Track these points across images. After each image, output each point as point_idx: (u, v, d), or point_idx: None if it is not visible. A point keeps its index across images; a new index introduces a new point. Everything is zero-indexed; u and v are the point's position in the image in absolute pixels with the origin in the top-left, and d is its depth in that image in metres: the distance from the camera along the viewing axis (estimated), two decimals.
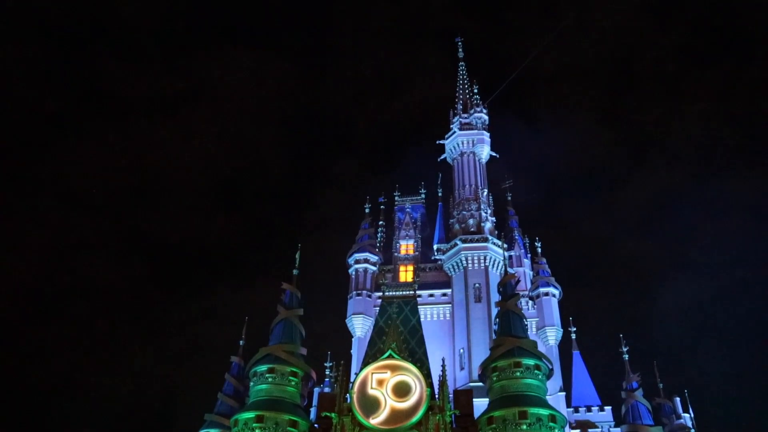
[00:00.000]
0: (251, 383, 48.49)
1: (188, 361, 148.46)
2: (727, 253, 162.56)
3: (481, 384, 50.87)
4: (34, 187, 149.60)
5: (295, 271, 54.42)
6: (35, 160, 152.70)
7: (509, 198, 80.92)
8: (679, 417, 66.96)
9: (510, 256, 71.42)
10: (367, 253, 70.45)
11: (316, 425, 47.57)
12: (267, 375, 47.38)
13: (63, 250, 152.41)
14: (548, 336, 66.62)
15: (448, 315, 67.42)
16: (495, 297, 59.45)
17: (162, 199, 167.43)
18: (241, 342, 57.60)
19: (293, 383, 47.61)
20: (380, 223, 77.28)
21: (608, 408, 66.47)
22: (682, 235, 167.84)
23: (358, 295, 68.82)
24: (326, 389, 64.97)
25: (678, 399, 68.85)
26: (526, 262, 75.13)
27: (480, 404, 48.30)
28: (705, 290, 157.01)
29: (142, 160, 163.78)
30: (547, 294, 68.96)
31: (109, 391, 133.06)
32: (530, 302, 69.08)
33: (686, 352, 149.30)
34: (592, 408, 67.30)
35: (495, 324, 51.94)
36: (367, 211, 75.39)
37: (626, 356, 55.34)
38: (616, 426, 60.99)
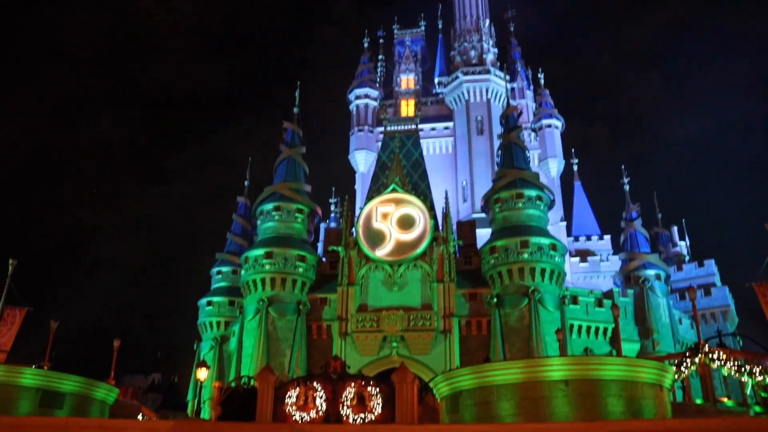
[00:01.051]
0: (258, 222, 49.43)
1: (196, 207, 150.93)
2: (732, 87, 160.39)
3: (483, 215, 51.84)
4: (25, 44, 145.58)
5: (295, 110, 53.94)
6: (22, 14, 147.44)
7: (512, 29, 78.58)
8: (675, 245, 68.96)
9: (512, 88, 70.48)
10: (367, 88, 69.58)
11: (323, 259, 48.97)
12: (273, 213, 48.19)
13: (61, 107, 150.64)
14: (550, 167, 67.13)
15: (450, 148, 67.59)
16: (497, 129, 59.35)
17: (157, 48, 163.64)
18: (246, 182, 58.16)
19: (299, 220, 48.51)
20: (380, 57, 75.75)
21: (607, 237, 68.17)
22: (689, 67, 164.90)
23: (360, 130, 68.67)
24: (332, 224, 66.38)
25: (675, 228, 70.58)
26: (529, 94, 74.24)
27: (483, 235, 49.47)
28: (709, 123, 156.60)
29: (133, 8, 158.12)
30: (549, 126, 68.78)
31: (122, 243, 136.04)
32: (532, 134, 69.03)
33: (686, 183, 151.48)
34: (592, 237, 68.98)
35: (497, 156, 52.13)
36: (365, 45, 73.73)
37: (627, 187, 55.81)
38: (614, 254, 62.74)
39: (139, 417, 29.08)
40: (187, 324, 54.23)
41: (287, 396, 22.90)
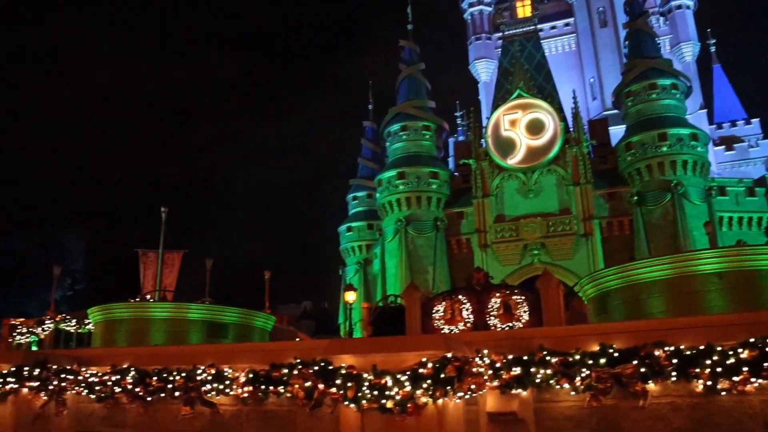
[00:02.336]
0: (387, 144, 49.87)
1: (325, 135, 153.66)
2: None
3: (615, 111, 49.78)
4: None
5: (409, 26, 53.27)
6: None
7: None
8: None
9: None
10: None
11: (455, 173, 48.93)
12: (401, 133, 48.41)
13: (175, 49, 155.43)
14: (684, 52, 62.89)
15: (573, 45, 64.79)
16: (622, 19, 56.12)
17: None
18: (369, 106, 58.54)
19: (427, 137, 48.50)
20: None
21: (756, 120, 63.54)
22: None
23: (478, 39, 66.99)
24: (460, 138, 65.83)
25: None
26: None
27: (617, 132, 47.61)
28: None
29: None
30: (679, 7, 64.02)
31: (257, 178, 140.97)
32: (661, 18, 64.64)
33: None
34: (737, 122, 64.54)
35: (624, 47, 49.53)
36: None
37: None
38: (764, 138, 58.79)
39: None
40: (330, 250, 56.15)
41: (434, 311, 23.39)
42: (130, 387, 13.48)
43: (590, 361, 10.91)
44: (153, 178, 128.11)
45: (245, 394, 12.61)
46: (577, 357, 11.00)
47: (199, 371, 13.01)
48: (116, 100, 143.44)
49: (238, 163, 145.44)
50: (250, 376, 12.55)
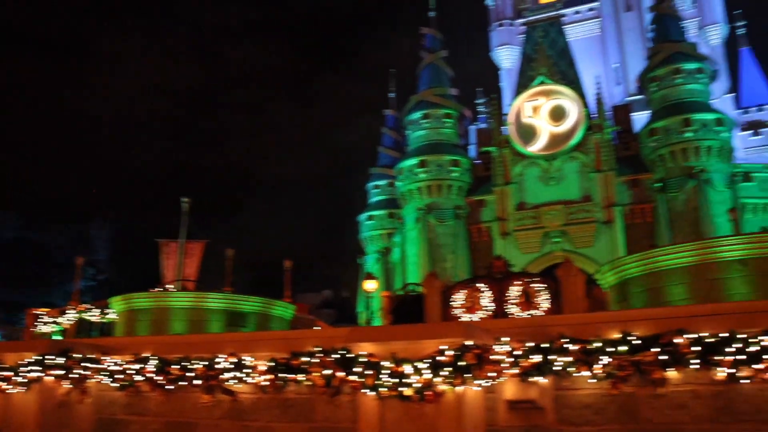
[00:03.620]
0: (408, 132, 49.72)
1: (348, 123, 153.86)
2: None
3: (640, 97, 49.33)
4: None
5: (431, 14, 52.96)
6: None
7: None
8: None
9: None
10: None
11: (477, 161, 48.73)
12: (422, 121, 48.25)
13: (203, 43, 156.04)
14: (711, 35, 62.01)
15: (597, 30, 64.07)
16: (647, 2, 55.44)
17: None
18: (391, 95, 58.32)
19: (449, 125, 48.31)
20: None
21: None
22: None
23: (500, 25, 66.56)
24: (482, 126, 65.47)
25: None
26: None
27: (640, 118, 47.21)
28: None
29: None
30: None
31: (281, 167, 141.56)
32: (688, 1, 63.74)
33: None
34: (764, 106, 63.48)
35: (649, 32, 48.88)
36: None
37: None
38: None
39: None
40: (351, 240, 56.25)
41: (453, 299, 23.38)
42: (151, 375, 13.61)
43: (610, 349, 10.83)
44: (177, 168, 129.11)
45: (265, 383, 12.68)
46: (597, 345, 10.93)
47: (219, 360, 13.09)
48: (144, 92, 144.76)
49: (261, 153, 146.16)
50: (271, 364, 12.61)
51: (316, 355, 11.91)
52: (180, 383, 13.41)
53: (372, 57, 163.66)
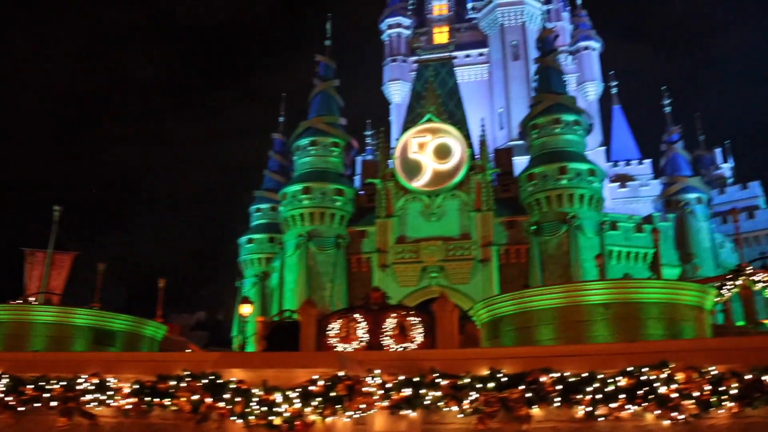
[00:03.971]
0: (295, 157, 49.53)
1: (233, 144, 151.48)
2: None
3: (521, 142, 51.27)
4: None
5: (327, 42, 53.29)
6: None
7: None
8: (718, 167, 67.54)
9: (548, 11, 68.41)
10: (399, 17, 68.34)
11: (361, 192, 49.08)
12: (309, 148, 48.20)
13: (96, 47, 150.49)
14: (588, 91, 65.72)
15: (485, 75, 66.44)
16: (533, 54, 58.05)
17: None
18: (280, 119, 58.03)
19: (336, 153, 48.48)
20: None
21: (648, 161, 66.87)
22: None
23: (393, 60, 67.80)
24: (368, 157, 66.21)
25: (719, 150, 68.97)
26: (566, 15, 72.03)
27: (520, 162, 49.02)
28: (757, 37, 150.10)
29: None
30: (587, 48, 67.06)
31: (164, 182, 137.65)
32: (570, 57, 67.33)
33: (732, 103, 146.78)
34: (632, 162, 67.77)
35: (534, 81, 51.19)
36: None
37: (668, 109, 54.40)
38: (654, 178, 61.76)
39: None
40: (230, 261, 55.22)
41: (329, 328, 23.24)
42: (1, 396, 12.72)
43: (479, 385, 11.10)
44: (55, 174, 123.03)
45: (128, 406, 12.16)
46: (467, 380, 11.16)
47: (80, 380, 12.42)
48: (27, 95, 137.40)
49: (147, 165, 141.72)
50: (136, 386, 12.12)
51: (185, 379, 11.57)
52: (34, 405, 12.62)
53: (266, 79, 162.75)
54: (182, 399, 11.40)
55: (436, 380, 11.29)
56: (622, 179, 65.08)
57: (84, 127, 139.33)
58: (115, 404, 12.28)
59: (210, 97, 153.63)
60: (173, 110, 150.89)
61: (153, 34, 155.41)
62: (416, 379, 11.38)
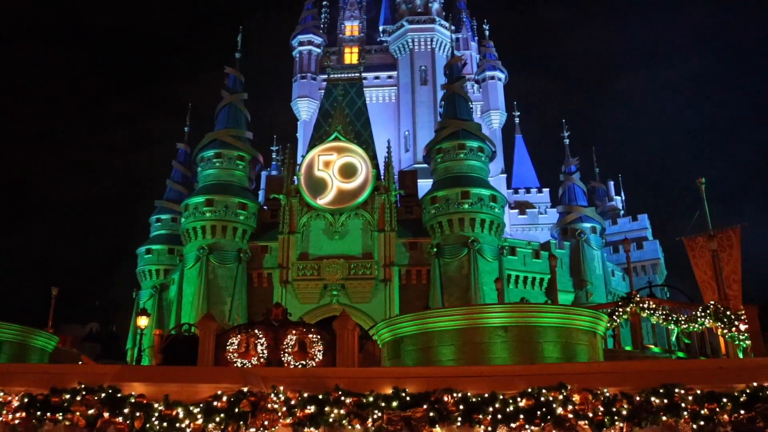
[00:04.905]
0: (199, 169, 48.66)
1: (136, 152, 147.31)
2: (684, 43, 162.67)
3: (425, 165, 52.10)
4: None
5: (237, 55, 52.77)
6: None
7: None
8: (611, 199, 71.02)
9: (457, 39, 70.10)
10: (311, 35, 68.40)
11: (264, 207, 48.65)
12: (214, 160, 47.48)
13: None
14: (492, 119, 67.60)
15: (393, 98, 67.26)
16: (441, 80, 59.27)
17: None
18: (186, 128, 56.88)
19: (241, 167, 47.94)
20: (324, 3, 74.29)
21: (546, 190, 69.26)
22: (641, 21, 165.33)
23: (303, 78, 67.72)
24: (273, 172, 65.79)
25: (612, 183, 72.55)
26: (474, 45, 74.02)
27: (424, 185, 49.77)
28: (655, 81, 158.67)
29: None
30: (492, 78, 69.04)
31: (60, 187, 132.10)
32: (476, 86, 69.14)
33: (625, 139, 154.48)
34: (531, 189, 70.05)
35: (440, 107, 52.26)
36: None
37: (567, 141, 56.74)
38: (552, 207, 63.99)
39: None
40: (126, 272, 53.47)
41: (228, 343, 22.85)
42: None
43: (383, 404, 11.20)
44: None
45: (16, 421, 11.58)
46: (371, 399, 11.25)
47: None
48: None
49: (44, 168, 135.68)
50: (25, 400, 11.57)
51: (80, 392, 11.15)
52: None
53: (174, 88, 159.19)
54: (77, 414, 10.98)
55: (341, 398, 11.33)
56: (522, 206, 67.09)
57: None
58: (2, 419, 11.68)
59: (115, 103, 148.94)
60: (75, 114, 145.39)
61: (57, 32, 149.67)
62: (321, 396, 11.38)
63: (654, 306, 23.77)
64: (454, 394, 11.05)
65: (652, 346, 26.86)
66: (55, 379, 11.81)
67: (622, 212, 69.81)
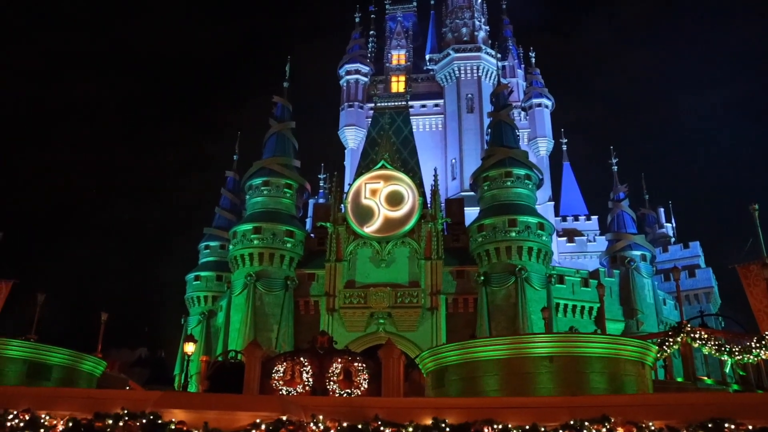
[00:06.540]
0: (247, 196, 49.29)
1: (185, 178, 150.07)
2: (732, 66, 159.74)
3: (472, 193, 51.88)
4: (10, 1, 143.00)
5: (285, 84, 53.53)
6: None
7: (504, 6, 77.95)
8: (661, 227, 69.51)
9: (503, 66, 70.12)
10: (358, 64, 69.17)
11: (311, 235, 48.95)
12: (262, 188, 48.07)
13: (50, 69, 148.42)
14: (539, 147, 67.17)
15: (440, 126, 67.45)
16: (487, 107, 59.21)
17: (149, 11, 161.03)
18: (235, 156, 57.78)
19: (288, 195, 48.41)
20: (371, 32, 75.09)
21: (595, 217, 68.33)
22: (688, 45, 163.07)
23: (350, 106, 68.37)
24: (321, 200, 66.23)
25: (662, 210, 71.06)
26: (520, 72, 73.96)
27: (471, 213, 49.55)
28: (704, 104, 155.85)
29: None
30: (539, 105, 68.73)
31: (110, 212, 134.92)
32: (522, 113, 68.92)
33: (675, 165, 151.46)
34: (579, 217, 69.18)
35: (487, 134, 52.16)
36: (357, 20, 73.07)
37: (615, 167, 55.96)
38: (601, 234, 63.05)
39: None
40: (175, 298, 54.19)
41: (274, 371, 22.93)
42: None
43: None
44: None
45: None
46: (410, 429, 11.12)
47: (10, 416, 11.97)
48: None
49: (94, 194, 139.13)
50: (70, 424, 11.73)
51: (123, 418, 11.27)
52: None
53: (222, 115, 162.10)
54: None
55: (380, 428, 11.23)
56: (570, 234, 66.29)
57: (29, 151, 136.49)
58: None
59: (163, 129, 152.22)
60: (124, 140, 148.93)
61: (108, 61, 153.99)
62: (360, 425, 11.29)
63: (706, 336, 23.08)
64: (495, 426, 10.86)
65: (705, 378, 26.10)
66: (99, 404, 11.97)
67: (673, 239, 68.29)
